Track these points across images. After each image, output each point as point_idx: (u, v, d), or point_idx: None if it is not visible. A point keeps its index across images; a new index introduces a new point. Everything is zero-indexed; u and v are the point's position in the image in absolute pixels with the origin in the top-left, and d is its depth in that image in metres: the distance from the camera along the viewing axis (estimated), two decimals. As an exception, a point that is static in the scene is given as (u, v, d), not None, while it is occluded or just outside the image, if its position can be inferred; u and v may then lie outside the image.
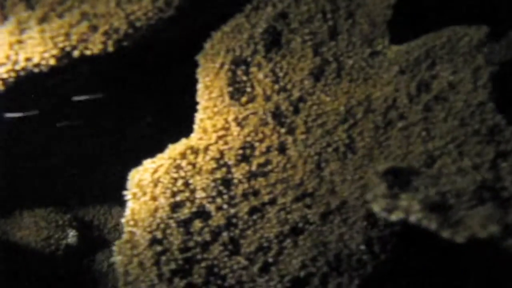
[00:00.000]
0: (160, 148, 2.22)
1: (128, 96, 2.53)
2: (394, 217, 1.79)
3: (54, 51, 2.16)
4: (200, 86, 2.24)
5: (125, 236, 2.10)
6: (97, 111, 2.57)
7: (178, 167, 2.13)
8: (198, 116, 2.23)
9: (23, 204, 2.66)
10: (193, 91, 2.28)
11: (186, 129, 2.27)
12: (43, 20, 2.22)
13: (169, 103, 2.56)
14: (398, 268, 2.13)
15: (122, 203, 2.35)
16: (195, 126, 2.22)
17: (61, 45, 2.16)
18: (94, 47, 2.16)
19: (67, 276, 2.55)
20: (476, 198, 1.85)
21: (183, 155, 2.15)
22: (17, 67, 2.17)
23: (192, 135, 2.21)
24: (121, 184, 2.22)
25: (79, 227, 2.63)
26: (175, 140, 2.23)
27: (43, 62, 2.17)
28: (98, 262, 2.63)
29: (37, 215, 2.59)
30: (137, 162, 2.20)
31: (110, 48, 2.17)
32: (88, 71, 2.30)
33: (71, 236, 2.59)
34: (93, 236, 2.68)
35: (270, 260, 2.06)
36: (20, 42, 2.20)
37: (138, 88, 2.49)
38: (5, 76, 2.17)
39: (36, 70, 2.16)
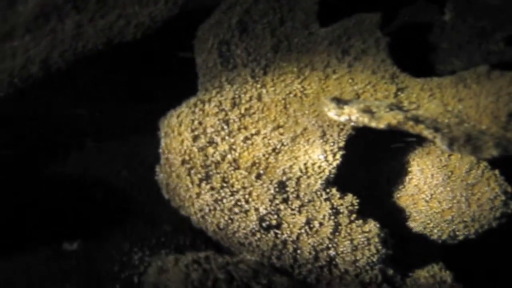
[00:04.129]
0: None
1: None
2: (342, 118, 2.70)
3: (104, 39, 2.92)
4: (198, 61, 3.00)
5: (163, 161, 2.82)
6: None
7: (193, 112, 2.87)
8: (200, 80, 2.99)
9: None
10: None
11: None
12: (91, 20, 2.96)
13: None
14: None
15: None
16: (199, 87, 2.98)
17: (107, 35, 2.93)
18: (129, 36, 2.94)
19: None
20: (389, 108, 2.85)
21: (195, 104, 2.90)
22: (76, 52, 2.91)
23: (198, 93, 2.97)
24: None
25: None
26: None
27: (94, 48, 2.94)
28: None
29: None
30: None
31: (139, 36, 2.98)
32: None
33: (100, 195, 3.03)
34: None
35: (261, 171, 2.80)
36: (79, 34, 2.94)
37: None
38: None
39: (89, 54, 2.93)
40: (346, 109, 2.71)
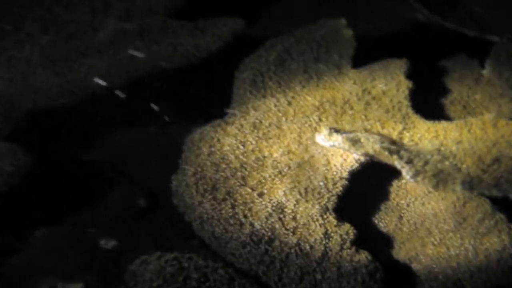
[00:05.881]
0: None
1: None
2: (327, 143, 2.67)
3: (153, 62, 3.01)
4: (234, 88, 3.07)
5: (179, 171, 2.86)
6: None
7: (215, 131, 2.92)
8: (231, 105, 3.03)
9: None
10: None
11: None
12: (147, 46, 3.09)
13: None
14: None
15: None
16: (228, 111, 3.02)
17: (155, 59, 3.03)
18: (175, 61, 3.03)
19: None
20: (379, 142, 2.69)
21: (219, 124, 2.95)
22: (128, 71, 3.02)
23: (226, 116, 3.01)
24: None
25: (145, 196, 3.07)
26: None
27: (143, 69, 3.05)
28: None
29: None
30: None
31: (183, 63, 3.05)
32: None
33: (141, 201, 3.03)
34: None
35: (265, 190, 2.76)
36: (133, 57, 3.06)
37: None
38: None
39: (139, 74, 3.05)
40: (334, 136, 2.64)
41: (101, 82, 3.01)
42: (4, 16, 3.33)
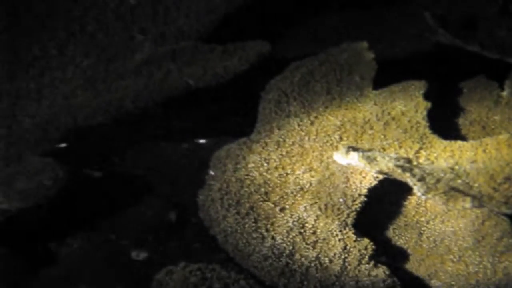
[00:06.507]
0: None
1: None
2: (344, 161, 2.71)
3: (184, 84, 3.07)
4: (260, 108, 3.11)
5: (205, 186, 2.92)
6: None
7: (241, 149, 2.97)
8: (257, 124, 3.08)
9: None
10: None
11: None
12: (179, 68, 3.15)
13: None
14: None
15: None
16: (255, 130, 3.06)
17: (187, 80, 3.10)
18: (205, 82, 3.10)
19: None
20: (395, 160, 2.71)
21: (244, 143, 3.00)
22: (161, 92, 3.11)
23: (251, 135, 3.05)
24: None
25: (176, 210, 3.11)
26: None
27: (175, 90, 3.13)
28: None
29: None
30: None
31: (213, 84, 3.10)
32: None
33: (172, 215, 3.08)
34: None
35: (287, 206, 2.80)
36: (165, 78, 3.14)
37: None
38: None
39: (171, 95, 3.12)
40: (350, 154, 2.68)
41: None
42: (50, 41, 3.44)
